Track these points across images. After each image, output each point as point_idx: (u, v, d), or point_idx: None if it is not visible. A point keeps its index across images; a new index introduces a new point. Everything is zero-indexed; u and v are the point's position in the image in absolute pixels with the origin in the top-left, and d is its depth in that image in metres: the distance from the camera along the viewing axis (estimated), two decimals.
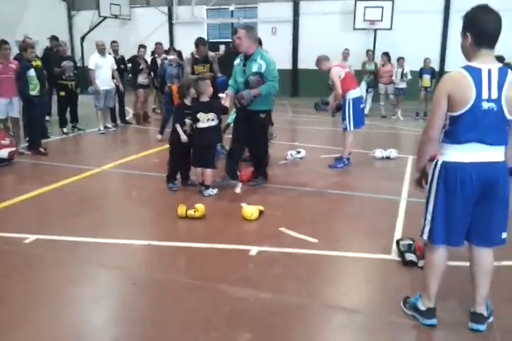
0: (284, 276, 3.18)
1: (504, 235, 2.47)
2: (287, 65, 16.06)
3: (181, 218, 4.18)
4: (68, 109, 8.63)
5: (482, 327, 2.54)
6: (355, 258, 3.51)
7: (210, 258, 3.48)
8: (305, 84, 15.84)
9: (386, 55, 11.53)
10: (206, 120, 4.77)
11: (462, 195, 2.37)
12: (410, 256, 3.33)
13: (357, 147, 7.36)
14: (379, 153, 6.73)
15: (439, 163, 2.43)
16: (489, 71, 2.27)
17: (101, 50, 8.56)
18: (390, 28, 14.32)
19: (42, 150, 6.83)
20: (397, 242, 3.53)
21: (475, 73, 2.28)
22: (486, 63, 2.30)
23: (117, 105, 9.41)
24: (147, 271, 3.29)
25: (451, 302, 2.83)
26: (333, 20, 15.36)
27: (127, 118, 9.95)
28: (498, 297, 2.88)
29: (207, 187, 4.89)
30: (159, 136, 7.69)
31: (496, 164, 2.36)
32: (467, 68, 2.32)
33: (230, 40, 17.15)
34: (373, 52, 12.64)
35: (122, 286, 3.14)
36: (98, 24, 16.68)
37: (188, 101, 4.95)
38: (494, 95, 2.27)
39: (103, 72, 8.52)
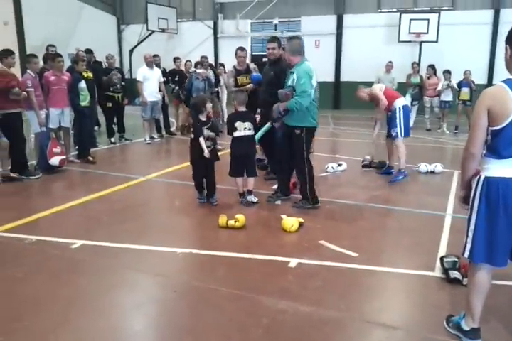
0: (323, 290, 3.15)
1: None
2: (330, 78, 16.08)
3: (222, 228, 4.23)
4: (115, 119, 8.96)
5: None
6: (396, 273, 3.43)
7: (249, 268, 3.49)
8: (347, 96, 15.75)
9: (432, 67, 11.33)
10: (243, 129, 4.87)
11: (505, 211, 2.29)
12: (454, 274, 3.23)
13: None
14: (424, 167, 6.59)
15: (482, 178, 2.37)
16: None
17: (149, 63, 8.85)
18: (436, 41, 14.09)
19: (90, 158, 7.12)
20: (442, 259, 3.43)
21: None
22: None
23: (162, 116, 9.68)
24: (187, 278, 3.34)
25: (497, 323, 2.73)
26: (377, 33, 15.29)
27: (171, 129, 10.22)
28: None
29: (250, 193, 4.99)
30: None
31: None
32: (507, 81, 2.27)
33: None
34: (418, 64, 12.44)
35: (162, 293, 3.20)
36: (146, 38, 17.32)
37: (203, 117, 4.90)
38: None
39: (150, 84, 8.80)
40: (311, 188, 4.88)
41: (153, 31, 16.89)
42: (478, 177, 2.41)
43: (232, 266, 3.53)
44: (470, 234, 2.43)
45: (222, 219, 4.24)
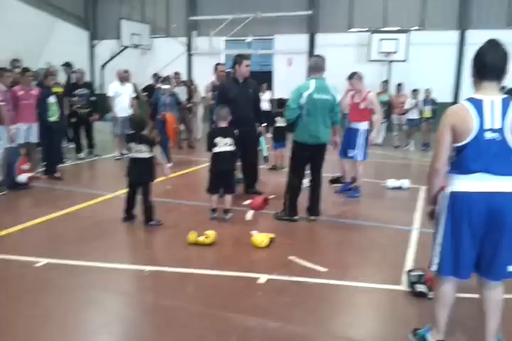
0: (292, 305, 3.15)
1: (511, 268, 2.40)
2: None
3: (192, 244, 4.20)
4: (84, 134, 8.84)
5: None
6: (364, 288, 3.47)
7: (218, 285, 3.47)
8: None
9: (400, 86, 11.67)
10: (223, 144, 4.86)
11: (469, 225, 2.36)
12: (420, 287, 3.28)
13: (369, 177, 7.36)
14: (391, 182, 6.72)
15: (447, 193, 2.44)
16: (492, 102, 2.32)
17: (122, 78, 8.81)
18: (405, 60, 14.53)
19: (57, 175, 6.97)
20: (408, 273, 3.49)
21: (477, 104, 2.33)
22: (489, 94, 2.35)
23: None
24: (155, 297, 3.29)
25: (462, 335, 2.78)
26: (348, 51, 15.65)
27: None
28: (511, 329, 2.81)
29: (227, 212, 4.98)
30: (170, 164, 7.90)
31: (505, 194, 2.34)
32: (470, 100, 2.37)
33: None
34: (387, 83, 12.78)
35: (129, 312, 3.14)
36: (119, 53, 17.26)
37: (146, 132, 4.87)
38: (497, 125, 2.29)
39: (122, 100, 8.75)
40: (289, 199, 4.98)
41: (126, 47, 16.87)
42: (443, 192, 2.48)
43: (201, 284, 3.50)
44: (437, 248, 2.49)
45: (192, 236, 4.21)
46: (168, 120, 7.96)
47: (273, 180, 7.25)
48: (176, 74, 10.61)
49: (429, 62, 14.65)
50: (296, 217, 5.00)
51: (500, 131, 2.29)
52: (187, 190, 6.52)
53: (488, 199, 2.33)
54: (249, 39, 16.85)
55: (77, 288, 3.39)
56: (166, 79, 9.11)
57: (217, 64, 6.92)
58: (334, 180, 6.89)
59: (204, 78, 9.46)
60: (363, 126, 6.16)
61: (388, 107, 11.58)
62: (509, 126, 2.29)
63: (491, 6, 14.71)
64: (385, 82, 12.54)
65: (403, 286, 3.43)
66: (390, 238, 4.61)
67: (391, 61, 14.91)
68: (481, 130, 2.30)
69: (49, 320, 2.94)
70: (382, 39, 14.78)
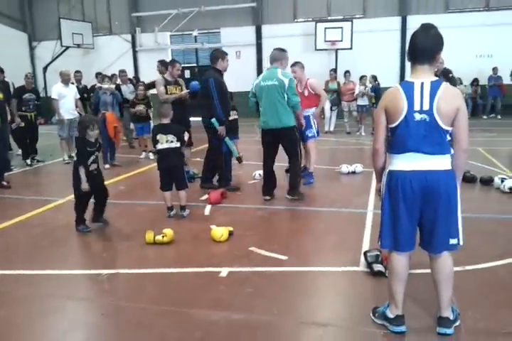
0: (255, 296, 3.16)
1: (453, 241, 2.51)
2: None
3: (149, 244, 4.13)
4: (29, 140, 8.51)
5: (449, 331, 2.59)
6: (324, 272, 3.53)
7: (179, 283, 3.43)
8: None
9: (348, 73, 11.89)
10: (165, 141, 4.80)
11: (404, 201, 2.47)
12: (378, 267, 3.37)
13: (323, 163, 7.50)
14: (345, 168, 6.85)
15: (386, 171, 2.56)
16: (422, 84, 2.39)
17: (65, 80, 8.51)
18: (351, 48, 14.81)
19: (4, 183, 6.67)
20: (365, 254, 3.57)
21: (407, 87, 2.42)
22: (420, 77, 2.43)
23: None
24: (115, 300, 3.21)
25: (419, 309, 2.87)
26: (295, 42, 15.77)
27: None
28: (465, 300, 2.95)
29: (183, 208, 4.92)
30: (107, 165, 7.84)
31: (437, 172, 2.43)
32: (402, 83, 2.48)
33: (195, 64, 17.48)
34: (335, 71, 12.99)
35: (90, 317, 3.06)
36: (61, 54, 16.67)
37: (91, 138, 4.56)
38: (426, 107, 2.37)
39: (66, 102, 8.46)
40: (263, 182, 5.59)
41: (67, 47, 16.31)
42: (384, 171, 2.60)
43: (161, 283, 3.45)
44: (380, 223, 2.61)
45: (149, 236, 4.14)
46: (108, 119, 7.78)
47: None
48: (122, 71, 10.35)
49: (373, 49, 15.00)
50: (267, 197, 5.46)
51: (429, 112, 2.37)
52: (141, 190, 6.40)
53: (421, 177, 2.43)
54: (195, 33, 16.68)
55: (35, 297, 3.26)
56: (107, 78, 8.84)
57: (174, 61, 6.83)
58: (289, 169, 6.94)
59: (152, 74, 9.26)
60: (312, 111, 6.29)
61: (337, 95, 11.78)
62: (438, 107, 2.36)
63: None
64: (333, 71, 12.74)
65: (362, 267, 3.52)
66: (347, 221, 4.71)
67: (337, 49, 15.16)
68: (411, 111, 2.39)
69: (8, 332, 2.81)
70: (327, 28, 15.00)
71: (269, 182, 5.52)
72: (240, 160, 6.43)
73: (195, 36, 16.97)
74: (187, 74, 16.09)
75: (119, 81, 10.17)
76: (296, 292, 3.24)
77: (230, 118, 7.99)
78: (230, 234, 4.24)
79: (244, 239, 4.22)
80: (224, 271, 3.53)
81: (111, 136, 7.84)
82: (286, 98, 5.13)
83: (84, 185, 4.44)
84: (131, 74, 13.21)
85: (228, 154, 6.10)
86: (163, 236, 4.13)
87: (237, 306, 3.03)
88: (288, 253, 3.83)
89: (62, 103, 8.41)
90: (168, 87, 6.53)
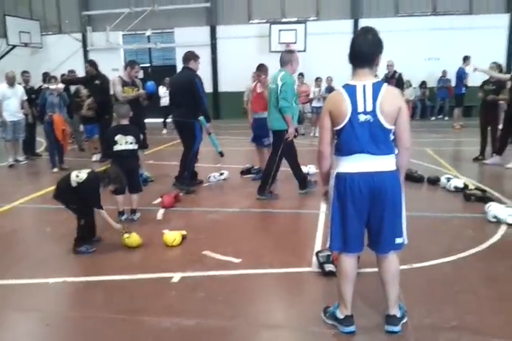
0: (207, 300, 3.13)
1: (399, 240, 2.58)
2: (208, 88, 16.21)
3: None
4: None
5: (397, 328, 2.66)
6: (277, 274, 3.54)
7: (130, 290, 3.35)
8: (227, 106, 16.10)
9: (301, 75, 12.03)
10: (124, 142, 4.69)
11: (352, 203, 2.50)
12: (329, 267, 3.42)
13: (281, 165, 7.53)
14: None
15: (333, 174, 2.58)
16: (364, 86, 2.45)
17: (10, 81, 8.15)
18: (305, 50, 14.98)
19: None
20: (317, 254, 3.61)
21: (350, 89, 2.47)
22: (362, 80, 2.49)
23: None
24: (62, 309, 3.11)
25: (369, 308, 2.94)
26: (249, 43, 15.83)
27: (39, 150, 9.50)
28: (410, 298, 3.04)
29: (134, 212, 4.84)
30: (55, 169, 7.66)
31: (383, 173, 2.49)
32: (344, 86, 2.52)
33: (148, 64, 17.19)
34: None
35: (36, 328, 2.93)
36: (6, 53, 15.97)
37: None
38: (369, 108, 2.43)
39: (11, 103, 8.11)
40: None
41: (14, 46, 15.64)
42: (331, 173, 2.62)
43: (111, 290, 3.35)
44: (330, 225, 2.63)
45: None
46: (55, 122, 7.53)
47: None
48: (71, 72, 10.05)
49: (327, 51, 15.25)
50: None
51: (373, 113, 2.43)
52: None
53: (368, 178, 2.48)
54: (148, 33, 16.41)
55: None
56: (52, 78, 8.51)
57: (134, 62, 6.67)
58: (245, 171, 6.96)
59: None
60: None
61: None
62: (381, 107, 2.43)
63: None
64: None
65: (314, 268, 3.56)
66: (301, 222, 4.77)
67: None
68: (355, 113, 2.44)
69: None
70: (281, 30, 15.13)
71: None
72: (222, 154, 6.65)
73: (149, 36, 16.70)
74: (140, 74, 15.73)
75: None
76: (249, 295, 3.24)
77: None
78: (183, 238, 4.19)
79: (198, 242, 4.18)
80: (176, 277, 3.48)
81: (58, 139, 7.58)
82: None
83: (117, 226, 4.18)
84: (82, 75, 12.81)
85: (195, 155, 6.17)
86: (127, 238, 4.05)
87: (189, 312, 2.99)
88: (241, 256, 3.82)
89: (6, 104, 8.07)
90: (124, 87, 6.40)
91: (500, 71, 6.78)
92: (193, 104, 5.79)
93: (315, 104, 11.65)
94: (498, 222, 4.46)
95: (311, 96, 11.72)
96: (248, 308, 3.05)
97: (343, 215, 2.55)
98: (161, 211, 5.14)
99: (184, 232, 4.25)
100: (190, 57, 6.01)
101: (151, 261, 3.82)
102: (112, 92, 6.96)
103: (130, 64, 6.64)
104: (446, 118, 14.95)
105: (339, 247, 2.62)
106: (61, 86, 8.26)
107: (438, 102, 15.32)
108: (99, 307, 3.10)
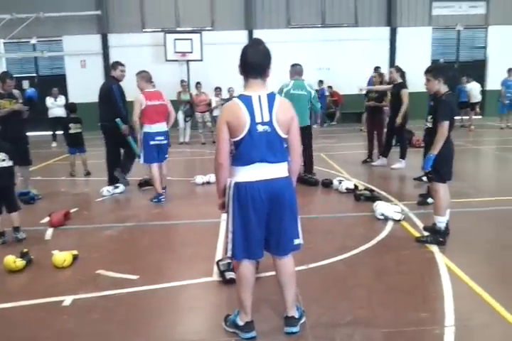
0: (102, 322, 2.95)
1: (297, 241, 2.67)
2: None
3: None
4: None
5: (295, 329, 2.72)
6: (178, 286, 3.45)
7: (15, 318, 3.05)
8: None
9: (199, 84, 12.04)
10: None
11: (254, 210, 2.53)
12: (230, 274, 3.40)
13: (179, 175, 7.45)
14: (199, 179, 6.86)
15: (232, 184, 2.57)
16: (259, 97, 2.51)
17: None
18: (201, 59, 15.01)
19: None
20: (217, 263, 3.59)
21: (246, 100, 2.50)
22: (256, 91, 2.53)
23: None
24: None
25: (269, 311, 2.97)
26: (144, 52, 15.47)
27: None
28: (308, 297, 3.14)
29: (17, 230, 4.46)
30: None
31: (280, 179, 2.58)
32: (240, 97, 2.55)
33: (35, 74, 16.06)
34: (187, 82, 13.04)
35: None
36: None
37: None
38: (266, 118, 2.50)
39: None
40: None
41: None
42: (229, 183, 2.59)
43: None
44: (229, 235, 2.62)
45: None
46: None
47: (74, 190, 6.83)
48: None
49: (224, 61, 15.37)
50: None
51: (270, 123, 2.50)
52: None
53: (267, 185, 2.53)
54: (33, 41, 15.35)
55: None
56: None
57: (6, 75, 6.05)
58: (143, 183, 6.74)
59: None
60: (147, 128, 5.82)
61: (191, 106, 11.83)
62: (277, 117, 2.50)
63: (271, 8, 16.20)
64: (185, 82, 12.78)
65: (215, 277, 3.52)
66: (202, 232, 4.69)
67: (188, 61, 15.27)
68: (253, 124, 2.48)
69: None
70: (176, 39, 15.00)
71: None
72: (139, 156, 6.14)
73: (34, 44, 15.62)
74: (25, 84, 14.63)
75: None
76: (149, 312, 3.10)
77: (72, 131, 7.67)
78: (75, 258, 3.93)
79: (91, 262, 3.93)
80: (68, 300, 3.23)
81: None
82: (310, 105, 6.70)
83: None
84: None
85: (133, 156, 6.51)
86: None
87: (83, 335, 2.80)
88: (139, 272, 3.66)
89: None
90: (0, 101, 5.84)
91: (402, 74, 7.43)
92: (110, 109, 6.28)
93: (216, 113, 11.68)
94: (386, 218, 4.79)
95: (214, 105, 11.76)
96: (149, 326, 2.92)
97: (245, 223, 2.55)
98: (50, 230, 4.76)
99: (75, 252, 3.98)
100: (112, 66, 6.82)
101: (38, 286, 3.52)
102: None
103: (1, 78, 6.03)
104: (335, 122, 15.87)
105: (243, 255, 2.61)
106: None
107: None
108: None
